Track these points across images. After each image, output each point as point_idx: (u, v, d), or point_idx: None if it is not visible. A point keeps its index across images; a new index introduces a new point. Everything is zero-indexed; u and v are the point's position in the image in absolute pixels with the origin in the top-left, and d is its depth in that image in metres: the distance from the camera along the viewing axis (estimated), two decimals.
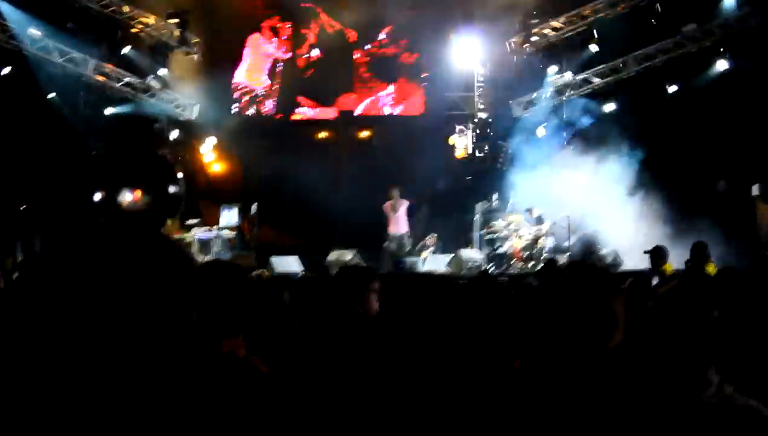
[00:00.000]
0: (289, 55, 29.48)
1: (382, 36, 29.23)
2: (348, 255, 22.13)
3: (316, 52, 29.33)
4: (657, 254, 14.81)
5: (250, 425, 3.03)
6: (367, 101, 29.00)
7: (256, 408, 3.88)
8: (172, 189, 1.88)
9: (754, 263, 8.91)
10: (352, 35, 29.29)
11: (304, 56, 29.44)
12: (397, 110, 29.01)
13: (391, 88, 29.07)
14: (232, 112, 28.95)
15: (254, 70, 29.39)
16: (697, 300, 3.58)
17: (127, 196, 1.76)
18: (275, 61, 29.39)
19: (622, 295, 4.01)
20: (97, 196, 1.89)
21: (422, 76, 28.91)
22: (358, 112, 28.96)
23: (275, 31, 29.53)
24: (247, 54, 29.33)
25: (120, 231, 1.95)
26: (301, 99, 29.04)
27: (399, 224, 23.09)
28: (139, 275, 1.89)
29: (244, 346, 4.18)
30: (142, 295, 1.85)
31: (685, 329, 3.38)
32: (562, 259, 20.14)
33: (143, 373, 1.88)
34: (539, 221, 22.76)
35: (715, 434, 3.13)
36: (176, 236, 22.24)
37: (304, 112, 29.07)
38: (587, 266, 4.17)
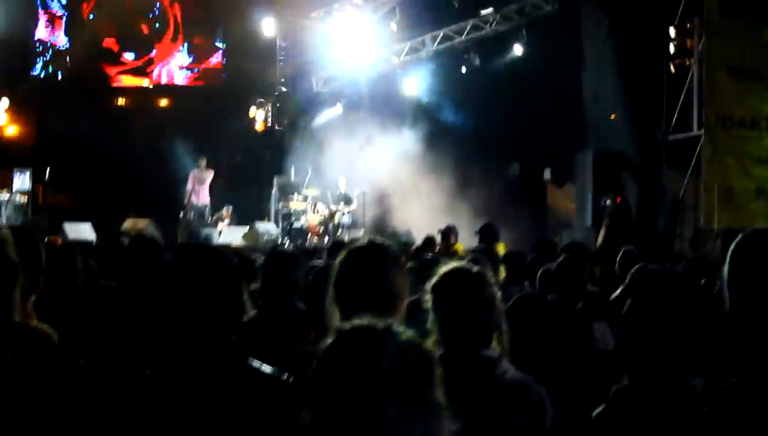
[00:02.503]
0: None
1: None
2: (142, 223, 21.86)
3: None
4: (448, 233, 15.12)
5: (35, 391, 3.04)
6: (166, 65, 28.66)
7: (43, 374, 3.84)
8: None
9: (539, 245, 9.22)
10: None
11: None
12: (190, 71, 28.76)
13: (186, 46, 28.76)
14: (32, 72, 28.12)
15: (55, 25, 28.57)
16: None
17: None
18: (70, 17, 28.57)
19: (401, 268, 4.08)
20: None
21: (218, 37, 28.66)
22: (156, 78, 28.56)
23: None
24: (41, 10, 28.44)
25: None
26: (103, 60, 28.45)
27: (202, 194, 22.98)
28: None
29: (32, 314, 4.11)
30: None
31: None
32: (358, 234, 20.36)
33: None
34: (347, 199, 22.96)
35: None
36: None
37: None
38: (370, 242, 4.21)
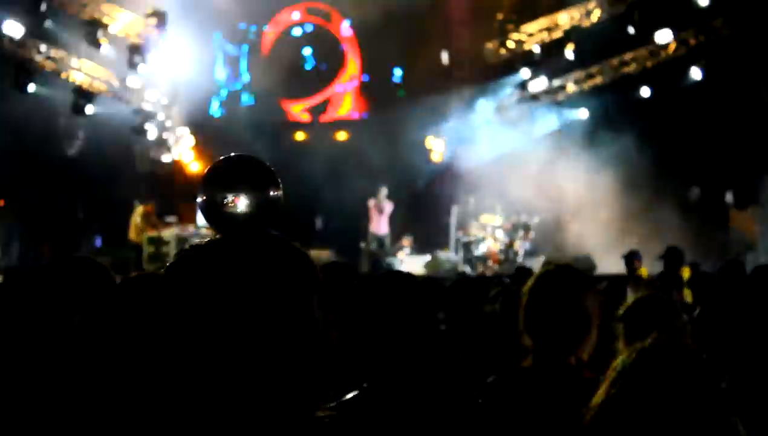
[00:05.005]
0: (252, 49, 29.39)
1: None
2: (324, 255, 22.19)
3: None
4: (632, 258, 14.94)
5: None
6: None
7: None
8: (272, 193, 1.92)
9: (726, 267, 9.06)
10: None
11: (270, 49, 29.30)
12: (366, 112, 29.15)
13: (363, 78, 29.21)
14: (211, 111, 28.92)
15: (231, 65, 29.32)
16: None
17: (230, 201, 1.78)
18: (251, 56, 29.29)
19: (594, 294, 4.09)
20: (199, 200, 1.91)
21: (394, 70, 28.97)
22: (331, 115, 29.02)
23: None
24: (218, 51, 29.20)
25: (230, 235, 2.02)
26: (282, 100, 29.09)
27: (382, 224, 23.26)
28: (269, 273, 1.91)
29: None
30: (277, 294, 1.89)
31: None
32: (537, 262, 20.27)
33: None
34: (525, 226, 22.95)
35: None
36: (154, 234, 22.32)
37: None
38: (560, 265, 4.23)
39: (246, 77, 29.25)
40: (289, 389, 1.87)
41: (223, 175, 1.98)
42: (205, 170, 2.04)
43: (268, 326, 1.84)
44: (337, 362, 1.96)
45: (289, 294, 1.88)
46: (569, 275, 4.06)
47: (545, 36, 25.17)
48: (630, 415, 2.77)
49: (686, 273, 13.16)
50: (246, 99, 29.22)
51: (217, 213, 1.96)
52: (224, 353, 1.84)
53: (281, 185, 2.04)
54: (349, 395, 3.31)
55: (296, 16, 29.18)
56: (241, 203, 1.96)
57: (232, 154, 2.08)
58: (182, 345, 1.87)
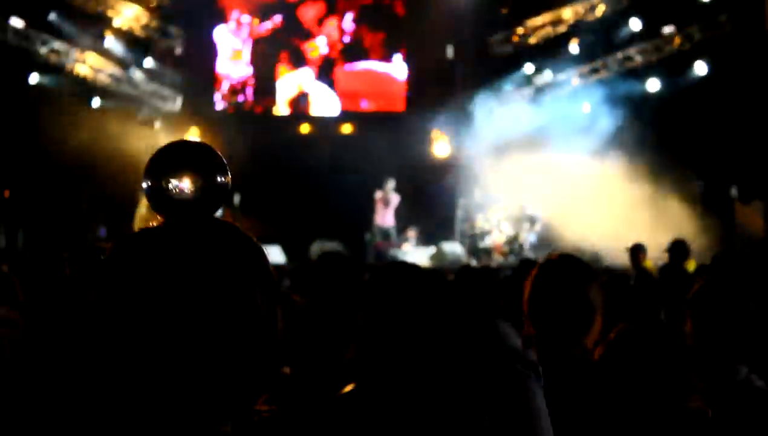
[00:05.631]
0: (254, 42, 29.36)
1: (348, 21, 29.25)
2: (330, 246, 22.22)
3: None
4: (637, 251, 14.96)
5: None
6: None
7: None
8: (219, 178, 1.88)
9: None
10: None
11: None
12: (373, 104, 29.09)
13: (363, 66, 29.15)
14: (215, 103, 28.90)
15: (235, 58, 29.27)
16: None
17: (176, 186, 1.74)
18: (254, 48, 29.24)
19: (598, 285, 4.08)
20: (144, 186, 1.86)
21: (401, 63, 28.91)
22: (338, 110, 28.96)
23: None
24: (220, 44, 29.17)
25: (174, 221, 1.97)
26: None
27: (387, 216, 23.31)
28: (215, 264, 1.86)
29: None
30: (222, 282, 1.87)
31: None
32: (543, 254, 20.26)
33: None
34: (531, 219, 22.95)
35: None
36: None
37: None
38: (563, 255, 4.22)
39: (248, 69, 29.19)
40: (227, 382, 1.84)
41: (168, 161, 1.96)
42: (150, 156, 2.01)
43: (207, 315, 1.80)
44: (279, 356, 1.92)
45: (230, 282, 1.83)
46: (573, 265, 4.06)
47: (550, 30, 25.18)
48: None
49: (691, 266, 13.17)
50: (249, 91, 29.18)
51: (161, 199, 1.93)
52: (160, 343, 1.80)
53: (229, 171, 2.01)
54: (348, 388, 3.29)
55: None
56: (186, 189, 1.93)
57: (179, 139, 2.06)
58: (116, 334, 1.84)
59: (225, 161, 2.03)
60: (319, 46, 28.93)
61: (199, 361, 1.79)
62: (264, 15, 28.88)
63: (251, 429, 1.95)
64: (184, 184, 1.92)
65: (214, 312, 1.80)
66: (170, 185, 1.93)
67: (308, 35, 28.72)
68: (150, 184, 1.96)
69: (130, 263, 1.85)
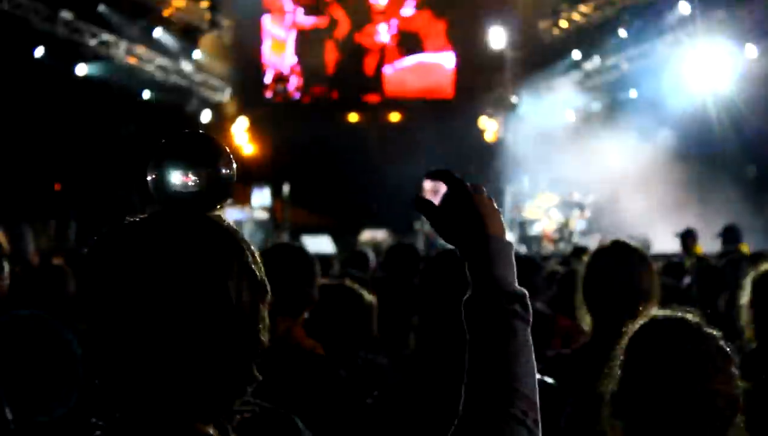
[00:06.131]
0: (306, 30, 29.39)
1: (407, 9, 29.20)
2: (380, 235, 22.25)
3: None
4: (688, 237, 14.85)
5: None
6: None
7: (310, 386, 3.93)
8: (223, 171, 1.87)
9: None
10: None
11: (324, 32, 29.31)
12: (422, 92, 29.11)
13: (412, 60, 29.12)
14: (263, 93, 28.99)
15: (278, 49, 29.34)
16: None
17: (178, 179, 1.72)
18: (299, 38, 29.29)
19: (652, 270, 4.05)
20: (148, 178, 1.85)
21: (449, 52, 28.85)
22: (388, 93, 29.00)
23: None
24: (266, 34, 29.25)
25: (169, 214, 1.95)
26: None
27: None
28: (182, 258, 1.85)
29: (302, 329, 4.22)
30: (187, 276, 1.85)
31: None
32: (593, 240, 20.19)
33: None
34: (580, 205, 22.84)
35: None
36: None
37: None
38: (616, 241, 4.20)
39: (292, 59, 29.26)
40: (201, 378, 1.81)
41: (173, 153, 1.93)
42: (155, 147, 1.99)
43: (179, 310, 1.78)
44: (260, 354, 1.90)
45: (203, 277, 1.81)
46: (626, 252, 4.03)
47: (599, 14, 25.02)
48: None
49: (745, 250, 13.03)
50: (294, 81, 29.25)
51: (165, 191, 1.91)
52: (134, 336, 1.78)
53: (234, 164, 1.98)
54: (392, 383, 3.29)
55: None
56: (190, 181, 1.90)
57: (185, 131, 2.03)
58: (99, 324, 1.83)
59: (230, 154, 2.01)
60: (380, 32, 29.05)
61: (173, 355, 1.79)
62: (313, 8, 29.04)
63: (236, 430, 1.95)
64: (188, 178, 1.91)
65: (185, 306, 1.79)
66: (174, 178, 1.92)
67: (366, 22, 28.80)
68: (154, 176, 1.95)
69: (107, 256, 1.86)
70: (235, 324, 1.83)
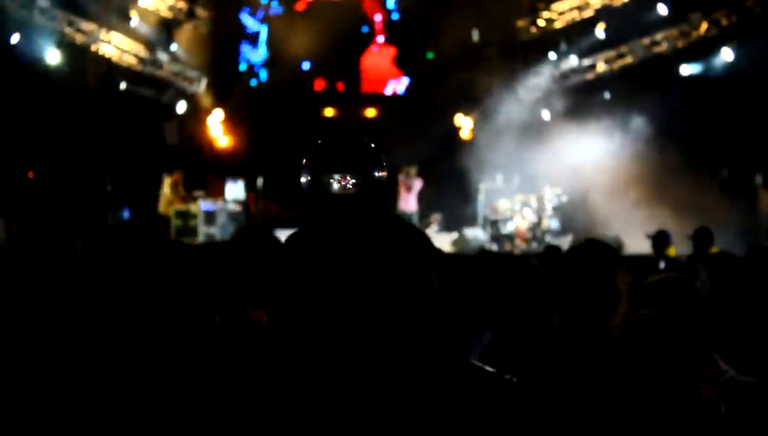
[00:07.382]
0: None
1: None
2: None
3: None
4: (660, 239, 14.87)
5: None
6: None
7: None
8: (377, 174, 1.89)
9: (751, 251, 9.00)
10: None
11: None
12: (400, 86, 29.07)
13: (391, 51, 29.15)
14: (239, 85, 28.92)
15: (254, 41, 29.28)
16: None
17: (336, 182, 1.74)
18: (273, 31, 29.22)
19: (624, 271, 4.08)
20: (303, 181, 1.87)
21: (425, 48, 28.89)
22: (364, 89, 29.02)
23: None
24: (242, 26, 29.18)
25: (339, 216, 1.96)
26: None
27: (410, 201, 23.32)
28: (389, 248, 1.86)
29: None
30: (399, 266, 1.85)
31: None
32: (565, 241, 20.29)
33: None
34: (554, 206, 22.91)
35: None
36: (182, 207, 22.36)
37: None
38: (589, 240, 4.23)
39: (265, 53, 29.21)
40: (413, 367, 1.83)
41: (329, 156, 1.96)
42: (310, 150, 1.99)
43: (391, 306, 1.80)
44: (455, 339, 1.92)
45: (410, 273, 1.83)
46: (599, 251, 4.06)
47: (576, 15, 25.11)
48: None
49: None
50: (264, 75, 29.19)
51: (322, 194, 1.93)
52: (342, 336, 1.81)
53: (385, 166, 2.00)
54: None
55: None
56: (347, 184, 1.93)
57: (336, 134, 2.05)
58: (302, 323, 1.84)
59: (382, 157, 2.04)
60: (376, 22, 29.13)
61: (383, 347, 1.81)
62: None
63: None
64: (345, 181, 1.93)
65: (396, 299, 1.83)
66: (331, 181, 1.94)
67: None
68: (311, 179, 1.97)
69: (315, 256, 1.88)
70: (437, 311, 1.87)
